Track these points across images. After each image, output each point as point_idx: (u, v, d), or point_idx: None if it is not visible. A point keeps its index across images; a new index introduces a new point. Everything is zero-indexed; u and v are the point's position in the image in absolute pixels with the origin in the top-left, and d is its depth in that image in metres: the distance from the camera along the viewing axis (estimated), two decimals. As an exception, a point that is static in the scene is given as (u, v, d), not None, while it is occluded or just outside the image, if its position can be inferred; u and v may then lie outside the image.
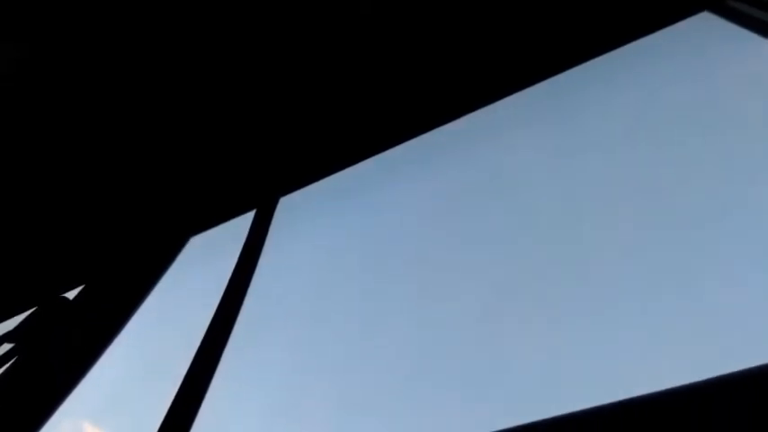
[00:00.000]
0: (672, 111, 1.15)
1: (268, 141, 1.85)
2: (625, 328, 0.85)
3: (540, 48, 1.45)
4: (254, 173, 1.94)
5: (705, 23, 1.22)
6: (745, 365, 0.62)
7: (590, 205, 1.10)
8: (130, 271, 1.97)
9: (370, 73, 1.61)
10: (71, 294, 2.06)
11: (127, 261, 2.04)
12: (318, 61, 1.60)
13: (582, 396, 0.77)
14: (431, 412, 0.93)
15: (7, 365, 1.74)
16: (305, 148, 1.85)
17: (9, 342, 1.88)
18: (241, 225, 1.91)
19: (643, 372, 0.76)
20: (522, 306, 1.01)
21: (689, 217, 0.93)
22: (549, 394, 0.83)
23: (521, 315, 0.99)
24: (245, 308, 1.47)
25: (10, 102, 1.61)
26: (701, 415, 0.58)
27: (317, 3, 1.45)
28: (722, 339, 0.73)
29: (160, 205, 2.05)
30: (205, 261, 1.88)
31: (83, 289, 2.04)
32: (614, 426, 0.63)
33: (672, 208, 0.97)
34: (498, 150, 1.40)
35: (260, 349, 1.33)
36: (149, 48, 1.55)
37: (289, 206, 1.85)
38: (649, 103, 1.19)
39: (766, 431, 0.54)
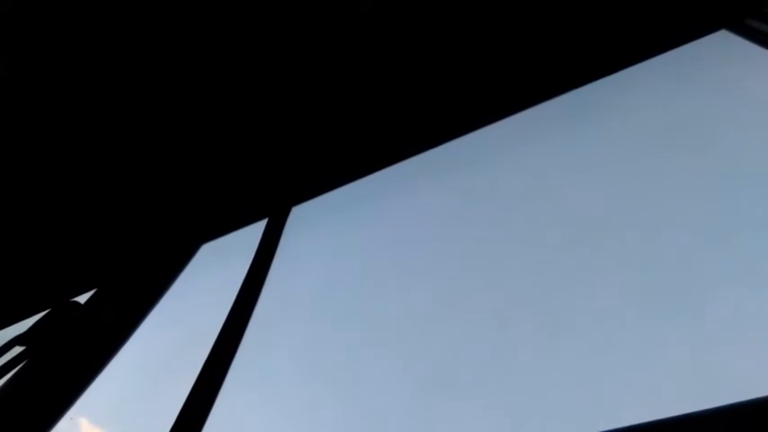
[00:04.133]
0: (689, 129, 1.15)
1: (281, 150, 1.87)
2: (626, 351, 0.84)
3: (558, 62, 1.46)
4: (267, 182, 1.96)
5: (723, 42, 1.22)
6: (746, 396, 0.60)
7: (602, 220, 1.10)
8: (142, 276, 1.99)
9: (385, 82, 1.63)
10: (83, 298, 2.07)
11: (139, 266, 2.05)
12: (333, 72, 1.62)
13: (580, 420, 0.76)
14: (431, 414, 0.93)
15: (18, 368, 1.75)
16: (318, 158, 1.86)
17: (20, 345, 1.89)
18: (253, 233, 1.92)
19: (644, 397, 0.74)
20: (526, 318, 1.00)
21: (702, 234, 0.93)
22: (544, 414, 0.82)
23: (523, 327, 0.98)
24: (256, 315, 1.47)
25: (23, 106, 1.65)
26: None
27: (329, 12, 1.47)
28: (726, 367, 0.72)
29: (173, 212, 2.06)
30: (217, 268, 1.88)
31: (94, 293, 2.05)
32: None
33: (686, 225, 0.96)
34: (516, 163, 1.40)
35: (271, 356, 1.33)
36: (163, 59, 1.58)
37: (301, 215, 1.86)
38: (666, 121, 1.19)
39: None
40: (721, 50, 1.22)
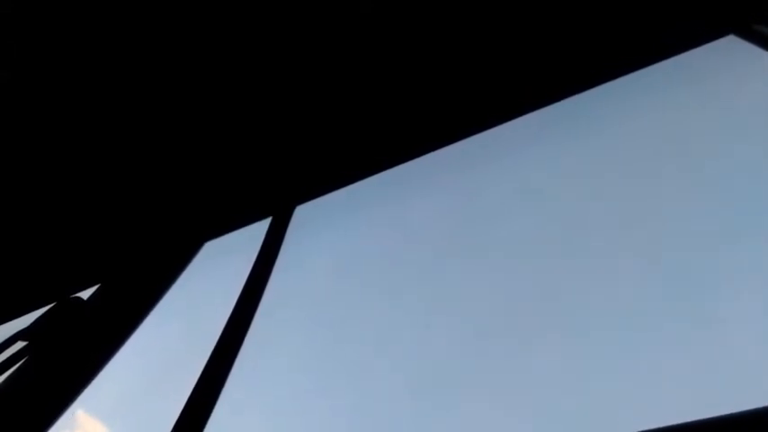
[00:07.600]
0: (696, 134, 1.15)
1: (285, 149, 1.87)
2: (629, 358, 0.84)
3: (562, 66, 1.45)
4: (271, 181, 1.96)
5: (731, 46, 1.22)
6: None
7: (604, 222, 1.10)
8: (146, 273, 1.99)
9: (387, 82, 1.63)
10: (86, 294, 2.08)
11: (142, 263, 2.06)
12: (336, 71, 1.62)
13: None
14: (431, 414, 0.93)
15: (20, 363, 1.76)
16: (322, 157, 1.87)
17: (23, 340, 1.90)
18: (256, 232, 1.92)
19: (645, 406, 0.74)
20: (525, 319, 1.00)
21: (705, 237, 0.92)
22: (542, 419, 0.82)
23: (522, 328, 0.99)
24: (259, 314, 1.47)
25: (25, 105, 1.65)
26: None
27: (329, 12, 1.47)
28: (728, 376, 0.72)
29: (177, 210, 2.07)
30: (220, 266, 1.89)
31: (98, 289, 2.06)
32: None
33: (691, 228, 0.96)
34: (520, 166, 1.40)
35: (273, 355, 1.33)
36: (167, 58, 1.58)
37: (304, 214, 1.86)
38: (673, 126, 1.19)
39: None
40: (728, 55, 1.22)
